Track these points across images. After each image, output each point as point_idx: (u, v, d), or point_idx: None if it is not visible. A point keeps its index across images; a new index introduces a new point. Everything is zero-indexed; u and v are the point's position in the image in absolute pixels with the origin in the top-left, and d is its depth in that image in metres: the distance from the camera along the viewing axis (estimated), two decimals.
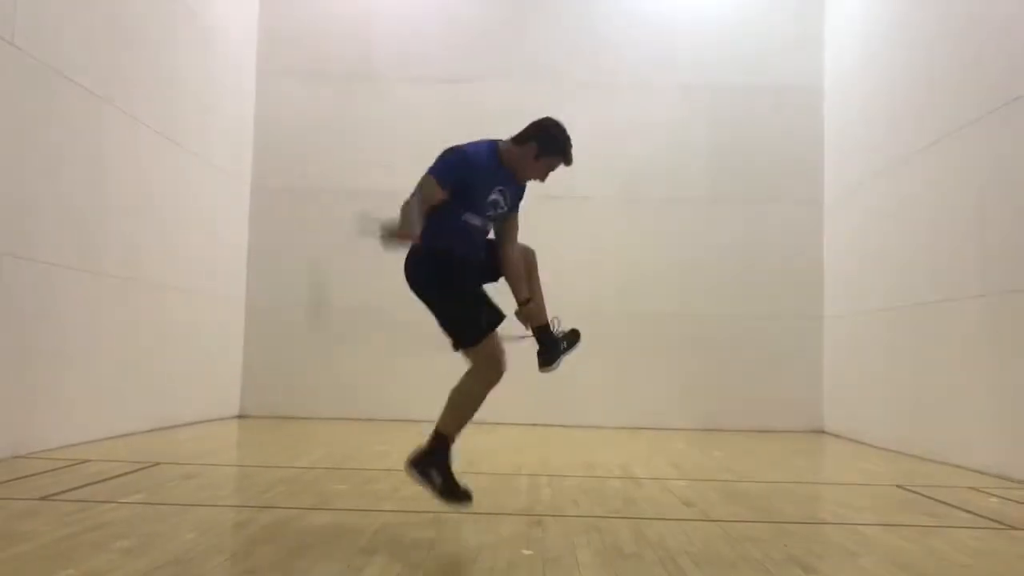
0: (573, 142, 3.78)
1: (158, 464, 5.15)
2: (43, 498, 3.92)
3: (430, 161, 3.78)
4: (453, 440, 3.67)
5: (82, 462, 5.03)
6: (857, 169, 8.22)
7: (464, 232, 3.70)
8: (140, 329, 6.81)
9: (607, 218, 9.04)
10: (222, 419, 8.45)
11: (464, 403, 3.65)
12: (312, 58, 9.23)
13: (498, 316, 3.66)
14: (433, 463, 3.62)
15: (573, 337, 4.00)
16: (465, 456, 5.95)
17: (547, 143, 3.72)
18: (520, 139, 3.74)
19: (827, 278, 8.90)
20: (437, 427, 3.68)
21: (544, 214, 9.19)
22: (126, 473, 4.73)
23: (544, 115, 3.84)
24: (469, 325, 3.62)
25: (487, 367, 3.62)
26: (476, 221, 3.70)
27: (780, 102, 9.12)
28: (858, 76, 8.32)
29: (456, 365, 3.68)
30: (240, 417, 8.82)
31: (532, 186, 3.86)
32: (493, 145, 3.76)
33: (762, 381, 8.87)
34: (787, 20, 9.22)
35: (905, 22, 7.35)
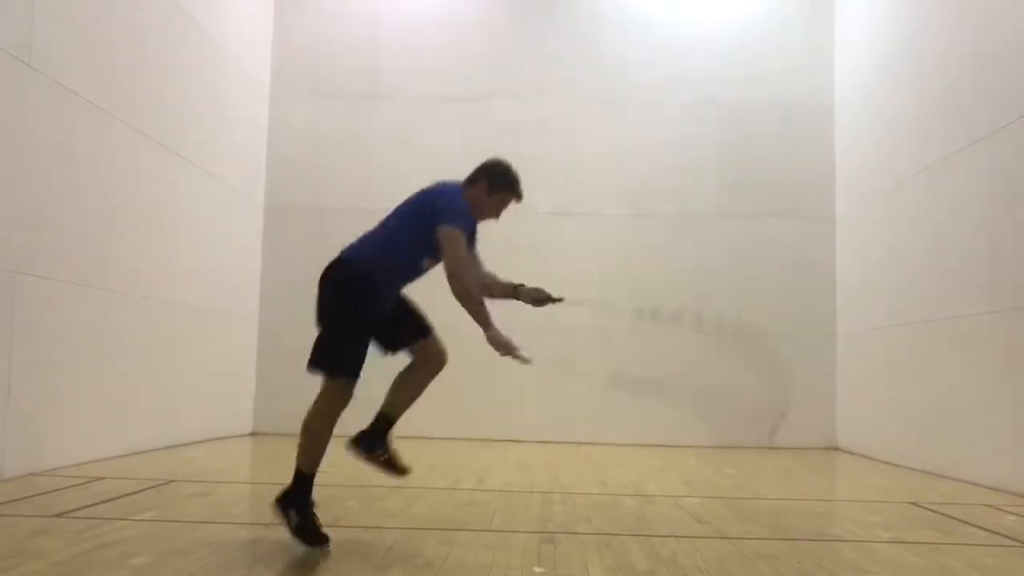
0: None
1: (171, 482, 5.17)
2: (57, 515, 3.94)
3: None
4: (312, 474, 3.57)
5: (95, 480, 5.06)
6: (868, 185, 8.21)
7: (404, 273, 3.67)
8: (153, 347, 6.85)
9: (617, 234, 9.04)
10: (235, 437, 8.46)
11: (316, 431, 3.61)
12: (324, 77, 9.32)
13: (358, 366, 3.62)
14: (292, 502, 3.49)
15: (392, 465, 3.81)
16: (477, 474, 6.01)
17: (496, 179, 3.72)
18: (471, 180, 3.73)
19: (839, 294, 8.87)
20: (296, 463, 3.60)
21: (554, 230, 9.26)
22: (139, 491, 4.75)
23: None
24: (336, 358, 3.60)
25: (335, 396, 3.62)
26: (428, 266, 3.66)
27: (791, 118, 9.12)
28: (869, 92, 8.33)
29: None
30: (253, 435, 8.83)
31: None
32: (459, 189, 3.72)
33: (775, 398, 8.83)
34: (797, 37, 9.24)
35: (915, 39, 7.36)
